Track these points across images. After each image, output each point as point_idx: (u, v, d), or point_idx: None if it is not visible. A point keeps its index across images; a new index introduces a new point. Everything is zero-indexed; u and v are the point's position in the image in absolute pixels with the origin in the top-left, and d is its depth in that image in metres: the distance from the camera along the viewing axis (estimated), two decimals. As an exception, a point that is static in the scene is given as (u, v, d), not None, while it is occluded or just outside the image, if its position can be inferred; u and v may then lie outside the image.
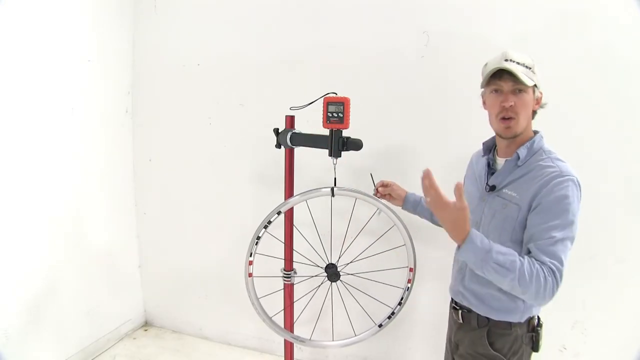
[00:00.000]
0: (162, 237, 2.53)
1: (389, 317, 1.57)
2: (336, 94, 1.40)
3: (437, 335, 1.63)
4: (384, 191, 1.63)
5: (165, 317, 2.64)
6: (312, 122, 1.56)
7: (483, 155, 1.31)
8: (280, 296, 1.67)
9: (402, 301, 1.54)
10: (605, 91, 1.69)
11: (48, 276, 2.01)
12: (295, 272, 1.64)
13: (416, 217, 1.64)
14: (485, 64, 1.20)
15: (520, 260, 1.03)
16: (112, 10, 2.25)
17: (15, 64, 1.78)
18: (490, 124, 1.22)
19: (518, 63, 1.13)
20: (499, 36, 1.74)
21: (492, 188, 1.21)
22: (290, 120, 1.58)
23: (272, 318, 1.58)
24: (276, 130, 1.59)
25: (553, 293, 1.03)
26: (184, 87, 2.32)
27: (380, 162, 1.98)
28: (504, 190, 1.18)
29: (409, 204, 1.62)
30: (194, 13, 2.25)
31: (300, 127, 1.58)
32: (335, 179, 1.45)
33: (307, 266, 1.65)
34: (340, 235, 1.72)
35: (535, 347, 1.23)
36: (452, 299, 1.38)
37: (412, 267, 1.53)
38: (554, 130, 1.68)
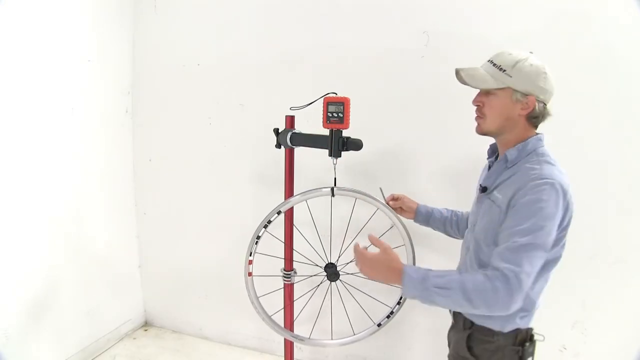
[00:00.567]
0: (162, 237, 2.53)
1: (388, 317, 1.57)
2: (336, 94, 1.40)
3: (436, 335, 1.63)
4: (395, 205, 1.56)
5: (165, 317, 2.64)
6: (312, 122, 1.56)
7: (488, 158, 1.30)
8: (280, 295, 1.67)
9: (401, 301, 1.54)
10: (605, 91, 1.69)
11: (48, 276, 2.01)
12: (295, 272, 1.65)
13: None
14: None
15: (460, 276, 1.01)
16: (112, 10, 2.25)
17: (15, 64, 1.78)
18: None
19: (494, 64, 1.13)
20: (499, 36, 1.74)
21: (484, 189, 1.20)
22: (290, 120, 1.58)
23: (272, 317, 1.59)
24: (276, 130, 1.59)
25: (510, 301, 0.96)
26: (184, 87, 2.33)
27: (380, 162, 1.99)
28: (493, 192, 1.16)
29: (421, 216, 1.55)
30: (194, 13, 2.25)
31: (300, 127, 1.58)
32: (335, 179, 1.45)
33: (307, 266, 1.66)
34: (340, 235, 1.72)
35: None
36: None
37: (412, 267, 1.53)
38: (553, 130, 1.68)
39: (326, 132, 1.41)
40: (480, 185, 1.23)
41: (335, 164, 1.42)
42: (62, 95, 2.01)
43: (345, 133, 1.41)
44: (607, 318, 1.81)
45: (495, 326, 1.13)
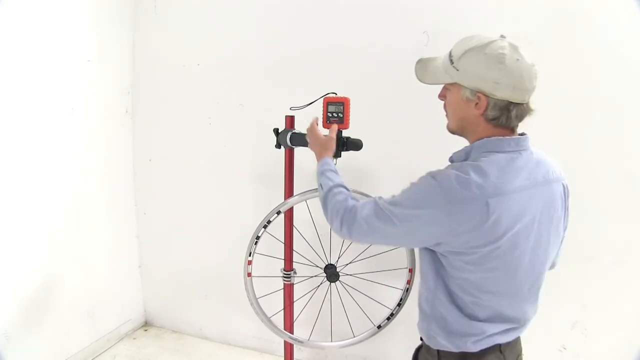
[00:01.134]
0: (162, 237, 2.53)
1: (388, 318, 1.57)
2: (336, 94, 1.40)
3: (436, 336, 1.63)
4: None
5: (165, 317, 2.64)
6: (312, 122, 1.56)
7: None
8: (279, 296, 1.67)
9: (401, 302, 1.54)
10: (604, 91, 1.69)
11: (48, 276, 2.01)
12: (294, 272, 1.65)
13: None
14: None
15: (336, 190, 1.14)
16: (112, 10, 2.24)
17: (15, 64, 1.78)
18: None
19: (450, 53, 0.99)
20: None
21: None
22: (290, 120, 1.58)
23: (271, 318, 1.59)
24: (276, 130, 1.59)
25: (340, 227, 1.06)
26: (184, 87, 2.32)
27: (380, 162, 1.98)
28: None
29: None
30: (194, 13, 2.25)
31: (300, 127, 1.58)
32: (335, 179, 1.45)
33: (307, 266, 1.66)
34: (340, 235, 1.72)
35: None
36: None
37: (412, 268, 1.53)
38: (553, 130, 1.68)
39: (326, 132, 1.41)
40: None
41: (335, 164, 1.42)
42: (62, 95, 2.01)
43: (345, 133, 1.41)
44: (607, 318, 1.81)
45: (426, 338, 1.07)
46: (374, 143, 1.56)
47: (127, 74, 2.39)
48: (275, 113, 1.64)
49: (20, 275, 1.88)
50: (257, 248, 1.55)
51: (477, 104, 0.95)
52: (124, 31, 2.33)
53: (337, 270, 1.57)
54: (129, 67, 2.39)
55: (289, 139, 1.53)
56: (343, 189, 1.17)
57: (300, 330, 1.70)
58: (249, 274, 1.53)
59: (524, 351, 1.11)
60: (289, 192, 1.61)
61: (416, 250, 1.50)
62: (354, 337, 1.63)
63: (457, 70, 0.96)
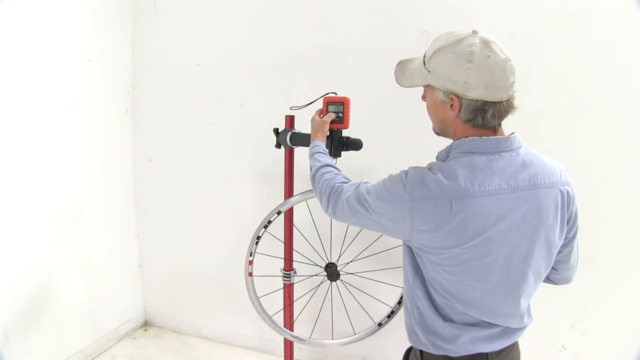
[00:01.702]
0: (162, 237, 2.53)
1: (389, 316, 1.57)
2: (336, 94, 1.40)
3: (437, 335, 1.63)
4: None
5: (165, 317, 2.64)
6: (312, 122, 1.56)
7: None
8: (280, 295, 1.67)
9: (402, 300, 1.54)
10: (604, 91, 1.69)
11: (48, 276, 2.01)
12: (295, 272, 1.65)
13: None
14: None
15: (322, 168, 1.19)
16: (111, 10, 2.24)
17: (15, 63, 1.78)
18: None
19: (425, 56, 0.95)
20: (499, 36, 1.73)
21: None
22: (290, 120, 1.59)
23: (272, 317, 1.59)
24: (276, 130, 1.59)
25: (327, 206, 1.11)
26: (184, 87, 2.32)
27: (380, 162, 1.98)
28: None
29: None
30: (194, 13, 2.25)
31: (300, 127, 1.58)
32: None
33: (307, 265, 1.66)
34: (340, 234, 1.72)
35: None
36: None
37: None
38: (553, 130, 1.68)
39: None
40: None
41: (335, 164, 1.42)
42: (62, 95, 2.01)
43: (345, 133, 1.41)
44: (607, 318, 1.81)
45: (410, 336, 1.11)
46: (374, 143, 1.56)
47: (127, 74, 2.39)
48: (275, 113, 1.64)
49: (20, 275, 1.88)
50: (257, 248, 1.55)
51: (451, 105, 0.92)
52: (123, 31, 2.33)
53: (338, 269, 1.57)
54: (129, 67, 2.39)
55: (289, 138, 1.53)
56: (331, 168, 1.21)
57: (301, 329, 1.70)
58: (250, 274, 1.53)
59: (524, 351, 1.10)
60: (289, 192, 1.61)
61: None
62: (355, 334, 1.64)
63: (429, 71, 0.93)
